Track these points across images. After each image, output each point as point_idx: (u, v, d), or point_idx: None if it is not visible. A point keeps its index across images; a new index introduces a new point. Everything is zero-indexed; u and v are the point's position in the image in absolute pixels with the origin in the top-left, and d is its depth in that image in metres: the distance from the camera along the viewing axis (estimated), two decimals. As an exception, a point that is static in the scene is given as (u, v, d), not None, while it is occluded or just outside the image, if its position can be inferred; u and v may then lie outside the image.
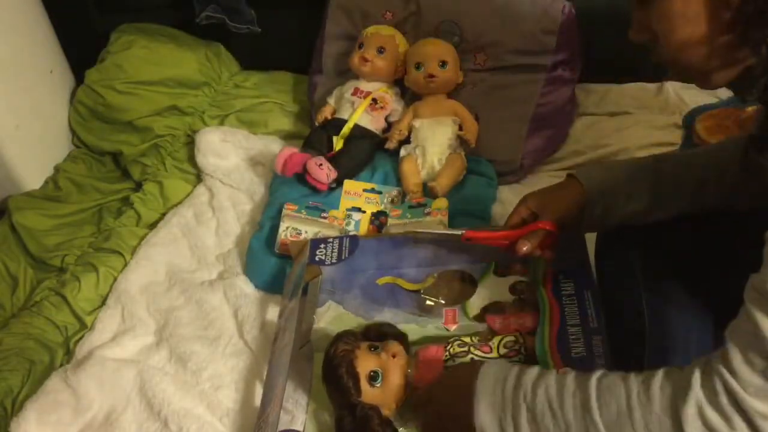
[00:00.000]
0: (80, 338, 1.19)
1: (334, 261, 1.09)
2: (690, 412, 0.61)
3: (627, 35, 0.74)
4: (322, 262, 1.10)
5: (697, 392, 0.62)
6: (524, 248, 0.91)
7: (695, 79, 0.72)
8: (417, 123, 1.36)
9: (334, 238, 1.15)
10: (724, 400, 0.60)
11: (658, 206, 0.90)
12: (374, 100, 1.41)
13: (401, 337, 0.97)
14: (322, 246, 1.12)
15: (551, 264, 1.00)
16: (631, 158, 1.02)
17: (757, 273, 0.62)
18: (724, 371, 0.61)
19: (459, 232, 0.96)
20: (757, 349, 0.60)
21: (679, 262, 0.90)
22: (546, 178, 1.37)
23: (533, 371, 0.73)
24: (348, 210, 1.30)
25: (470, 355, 0.92)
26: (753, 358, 0.60)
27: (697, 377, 0.63)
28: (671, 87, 1.45)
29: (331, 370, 0.92)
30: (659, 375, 0.65)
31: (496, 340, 0.94)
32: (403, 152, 1.37)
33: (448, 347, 0.94)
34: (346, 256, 1.10)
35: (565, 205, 0.92)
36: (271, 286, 1.22)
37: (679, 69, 0.72)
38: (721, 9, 0.64)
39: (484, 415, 0.71)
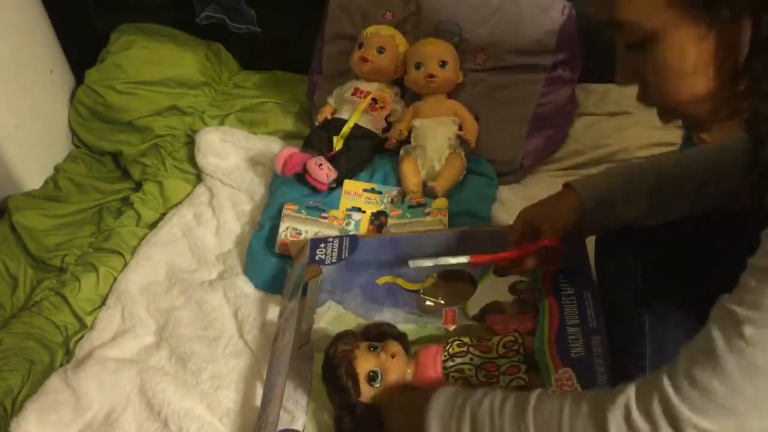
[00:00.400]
0: (80, 338, 1.19)
1: (334, 260, 1.09)
2: (616, 414, 0.61)
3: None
4: (322, 262, 1.10)
5: (628, 395, 0.62)
6: (531, 266, 0.91)
7: (694, 128, 0.69)
8: (417, 123, 1.36)
9: (334, 237, 1.15)
10: (655, 407, 0.59)
11: (658, 210, 0.90)
12: (374, 100, 1.41)
13: (401, 337, 0.97)
14: (322, 245, 1.12)
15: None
16: (628, 163, 1.01)
17: (728, 294, 0.61)
18: (665, 381, 0.60)
19: (464, 260, 0.95)
20: (705, 365, 0.58)
21: (679, 262, 0.90)
22: (546, 178, 1.37)
23: (486, 389, 0.75)
24: (348, 210, 1.30)
25: (469, 355, 0.92)
26: (698, 373, 0.58)
27: (632, 386, 0.63)
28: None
29: (330, 370, 0.92)
30: (590, 392, 0.68)
31: (495, 340, 0.94)
32: (403, 152, 1.37)
33: (448, 347, 0.94)
34: (346, 255, 1.10)
35: (563, 216, 0.91)
36: (271, 286, 1.22)
37: (675, 117, 0.68)
38: (725, 63, 0.59)
39: (433, 421, 0.74)
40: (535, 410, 0.68)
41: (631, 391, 0.62)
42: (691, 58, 0.60)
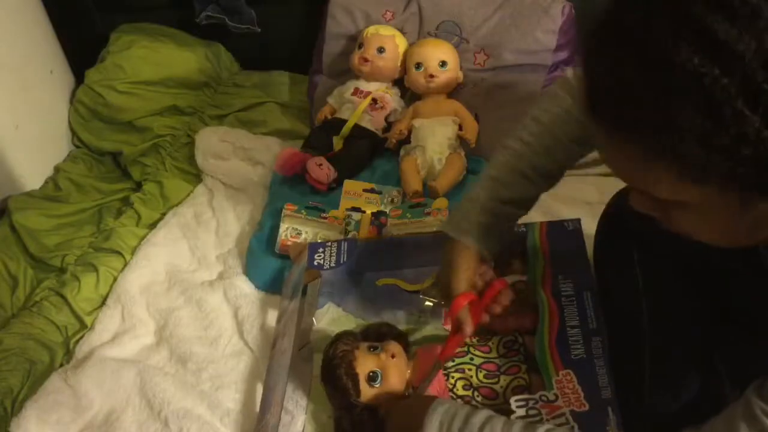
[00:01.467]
0: (80, 338, 1.19)
1: (332, 265, 1.09)
2: None
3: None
4: (320, 267, 1.10)
5: None
6: (497, 312, 0.88)
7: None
8: (417, 123, 1.36)
9: (332, 242, 1.15)
10: None
11: (526, 203, 0.89)
12: (374, 100, 1.41)
13: (401, 338, 0.97)
14: (321, 250, 1.12)
15: (550, 264, 1.00)
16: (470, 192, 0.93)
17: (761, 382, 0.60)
18: None
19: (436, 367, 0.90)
20: None
21: (679, 261, 0.90)
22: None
23: (482, 414, 0.75)
24: (348, 210, 1.30)
25: (470, 355, 0.92)
26: None
27: None
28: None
29: (330, 371, 0.92)
30: None
31: (495, 340, 0.94)
32: (403, 152, 1.37)
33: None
34: (345, 259, 1.10)
35: (468, 274, 0.87)
36: (271, 286, 1.22)
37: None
38: (745, 215, 0.55)
39: None
40: None
41: None
42: (731, 225, 0.57)
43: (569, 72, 0.87)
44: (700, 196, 0.53)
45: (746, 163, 0.49)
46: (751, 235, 0.57)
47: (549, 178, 0.89)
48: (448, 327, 0.99)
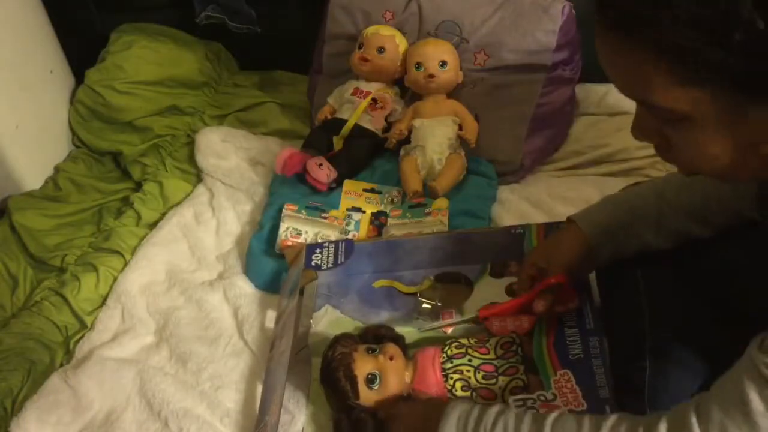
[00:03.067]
0: (80, 338, 1.19)
1: (330, 266, 1.10)
2: None
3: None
4: (318, 267, 1.10)
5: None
6: (541, 308, 0.89)
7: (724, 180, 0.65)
8: (417, 123, 1.36)
9: (330, 242, 1.15)
10: None
11: (666, 235, 0.89)
12: (374, 100, 1.41)
13: (399, 340, 0.98)
14: (318, 251, 1.12)
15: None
16: (628, 191, 0.98)
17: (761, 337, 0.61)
18: (696, 429, 0.61)
19: (472, 315, 0.94)
20: (740, 425, 0.59)
21: (679, 261, 0.90)
22: (546, 178, 1.36)
23: (495, 408, 0.75)
24: (348, 210, 1.30)
25: (468, 357, 0.92)
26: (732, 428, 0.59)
27: (662, 426, 0.63)
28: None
29: (328, 373, 0.92)
30: (612, 417, 0.68)
31: (493, 342, 0.94)
32: (403, 152, 1.36)
33: (446, 349, 0.94)
34: (342, 260, 1.10)
35: (570, 255, 0.90)
36: (272, 286, 1.22)
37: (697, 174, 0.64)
38: (760, 145, 0.56)
39: None
40: None
41: (661, 427, 0.62)
42: (726, 142, 0.57)
43: None
44: (693, 103, 0.55)
45: (737, 52, 0.50)
46: (751, 160, 0.58)
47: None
48: (446, 329, 0.99)
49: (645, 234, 0.90)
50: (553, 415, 0.71)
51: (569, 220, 0.93)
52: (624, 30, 0.55)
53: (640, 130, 0.63)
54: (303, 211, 1.27)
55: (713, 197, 0.87)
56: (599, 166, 1.35)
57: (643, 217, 0.90)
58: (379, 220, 1.27)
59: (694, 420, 0.61)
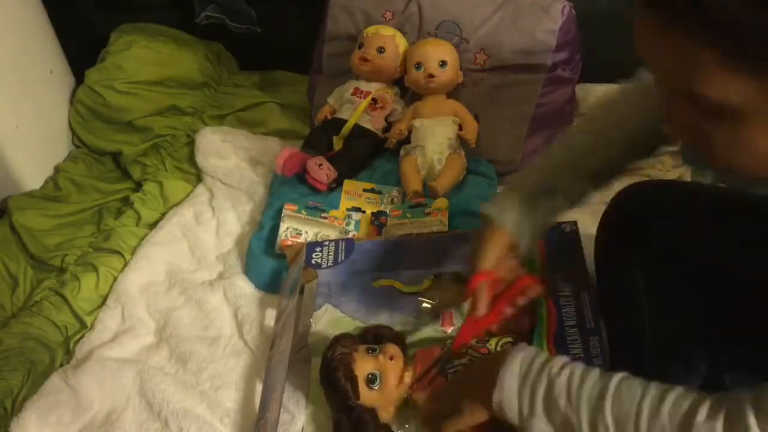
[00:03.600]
0: (80, 338, 1.19)
1: (330, 264, 1.10)
2: None
3: (627, 35, 0.70)
4: (318, 266, 1.10)
5: (714, 424, 0.60)
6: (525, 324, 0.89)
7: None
8: (417, 123, 1.36)
9: (330, 241, 1.15)
10: None
11: (597, 182, 0.89)
12: (374, 100, 1.41)
13: (399, 340, 0.97)
14: (318, 249, 1.12)
15: (548, 265, 1.00)
16: (535, 163, 0.95)
17: None
18: (752, 420, 0.59)
19: (447, 349, 0.90)
20: None
21: (679, 259, 0.89)
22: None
23: (563, 357, 0.73)
24: (348, 210, 1.30)
25: (468, 357, 0.92)
26: None
27: (721, 412, 0.61)
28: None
29: (328, 373, 0.92)
30: (677, 390, 0.65)
31: (493, 342, 0.94)
32: (403, 152, 1.36)
33: (446, 349, 0.93)
34: (343, 259, 1.10)
35: (500, 254, 0.87)
36: (271, 286, 1.22)
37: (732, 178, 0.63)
38: None
39: (507, 379, 0.71)
40: (614, 398, 0.66)
41: (718, 418, 0.60)
42: (755, 137, 0.53)
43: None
44: (745, 94, 0.50)
45: None
46: None
47: (597, 176, 0.89)
48: (446, 329, 0.99)
49: (572, 192, 0.89)
50: (620, 375, 0.68)
51: (483, 216, 0.91)
52: (673, 10, 0.50)
53: (677, 124, 0.58)
54: (303, 211, 1.27)
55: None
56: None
57: (562, 176, 0.88)
58: (379, 220, 1.27)
59: (751, 413, 0.59)
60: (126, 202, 1.46)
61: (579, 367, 0.70)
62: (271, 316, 1.17)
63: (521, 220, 0.87)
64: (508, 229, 0.87)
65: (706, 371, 0.86)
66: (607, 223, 0.99)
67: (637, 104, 0.84)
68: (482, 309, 0.86)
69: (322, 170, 1.31)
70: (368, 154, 1.40)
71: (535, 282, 0.88)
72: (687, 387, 0.65)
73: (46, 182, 1.53)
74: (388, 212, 1.27)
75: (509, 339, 0.94)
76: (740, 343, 0.85)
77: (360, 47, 1.43)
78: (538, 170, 0.91)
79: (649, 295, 0.90)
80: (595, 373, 0.69)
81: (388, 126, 1.42)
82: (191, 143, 1.53)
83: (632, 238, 0.94)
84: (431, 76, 1.36)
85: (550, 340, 0.92)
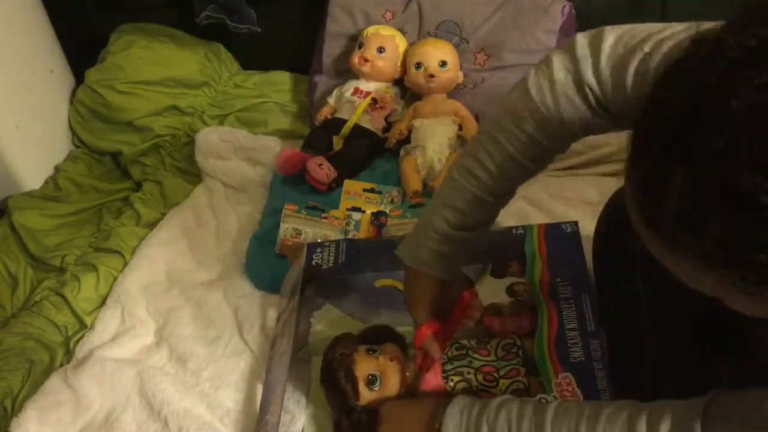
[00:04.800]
0: (80, 338, 1.19)
1: (330, 265, 1.09)
2: None
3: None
4: (318, 267, 1.10)
5: None
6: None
7: None
8: (417, 123, 1.36)
9: (331, 241, 1.15)
10: None
11: (484, 225, 0.85)
12: (374, 100, 1.41)
13: (399, 340, 0.97)
14: (318, 250, 1.12)
15: (548, 266, 1.00)
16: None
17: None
18: None
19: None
20: None
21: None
22: (546, 178, 1.36)
23: (499, 398, 0.76)
24: (348, 210, 1.30)
25: (468, 358, 0.92)
26: None
27: (666, 423, 0.62)
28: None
29: (329, 374, 0.92)
30: (613, 405, 0.67)
31: (493, 343, 0.94)
32: (403, 152, 1.37)
33: (446, 350, 0.93)
34: (343, 259, 1.10)
35: (433, 299, 0.86)
36: (271, 286, 1.22)
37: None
38: None
39: None
40: (552, 426, 0.69)
41: (662, 427, 0.61)
42: None
43: (531, 76, 0.77)
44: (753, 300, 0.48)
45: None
46: None
47: (506, 197, 0.85)
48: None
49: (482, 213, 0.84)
50: (554, 403, 0.71)
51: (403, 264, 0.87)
52: (688, 249, 0.48)
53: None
54: (303, 211, 1.27)
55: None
56: (599, 166, 1.35)
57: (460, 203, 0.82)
58: (379, 220, 1.27)
59: (698, 427, 0.60)
60: (126, 202, 1.46)
61: (515, 404, 0.73)
62: (271, 316, 1.17)
63: (442, 260, 0.83)
64: (426, 270, 0.84)
65: (706, 371, 0.86)
66: (605, 224, 0.99)
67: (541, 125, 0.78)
68: (437, 355, 0.86)
69: (322, 170, 1.31)
70: (368, 154, 1.40)
71: (473, 296, 0.86)
72: (632, 400, 0.67)
73: (46, 182, 1.53)
74: (388, 212, 1.27)
75: (509, 340, 0.94)
76: (739, 343, 0.85)
77: (360, 47, 1.43)
78: (446, 209, 0.83)
79: (649, 296, 0.90)
80: (530, 407, 0.72)
81: (388, 126, 1.42)
82: (191, 143, 1.52)
83: (631, 238, 0.93)
84: (431, 76, 1.36)
85: (551, 342, 0.92)
